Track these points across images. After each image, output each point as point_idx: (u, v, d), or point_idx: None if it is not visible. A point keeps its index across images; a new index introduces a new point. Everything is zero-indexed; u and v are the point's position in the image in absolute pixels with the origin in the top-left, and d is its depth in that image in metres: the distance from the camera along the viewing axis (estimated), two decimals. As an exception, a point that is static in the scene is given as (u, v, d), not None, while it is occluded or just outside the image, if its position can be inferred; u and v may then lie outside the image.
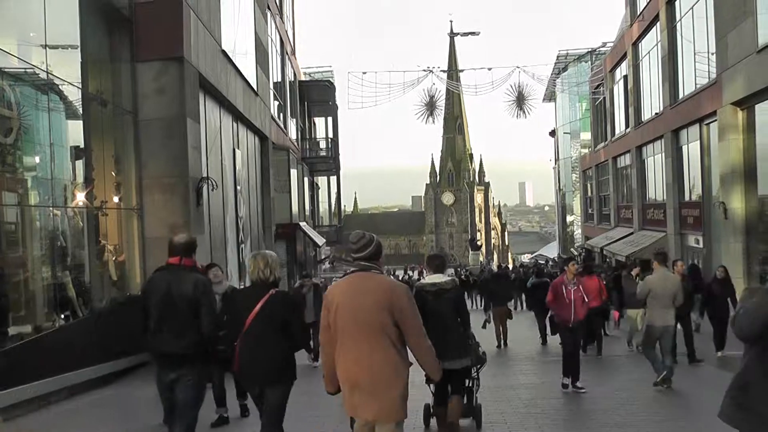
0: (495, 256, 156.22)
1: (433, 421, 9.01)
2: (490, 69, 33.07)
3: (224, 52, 20.28)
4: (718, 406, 4.78)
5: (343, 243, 79.70)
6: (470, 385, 9.12)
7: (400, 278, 55.71)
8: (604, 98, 46.00)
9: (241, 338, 6.42)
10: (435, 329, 7.26)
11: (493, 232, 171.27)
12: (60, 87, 13.45)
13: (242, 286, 10.97)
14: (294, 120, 40.41)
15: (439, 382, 7.79)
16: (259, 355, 6.36)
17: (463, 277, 44.39)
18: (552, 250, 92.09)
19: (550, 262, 64.33)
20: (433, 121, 35.29)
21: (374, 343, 5.43)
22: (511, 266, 56.07)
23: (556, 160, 77.18)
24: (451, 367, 7.89)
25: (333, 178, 55.13)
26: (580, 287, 12.32)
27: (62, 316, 13.00)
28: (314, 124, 53.25)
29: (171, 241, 6.93)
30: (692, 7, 27.10)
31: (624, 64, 40.46)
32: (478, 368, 9.19)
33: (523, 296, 30.96)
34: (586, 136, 57.05)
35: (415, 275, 64.53)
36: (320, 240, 43.21)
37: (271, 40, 32.00)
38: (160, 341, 6.68)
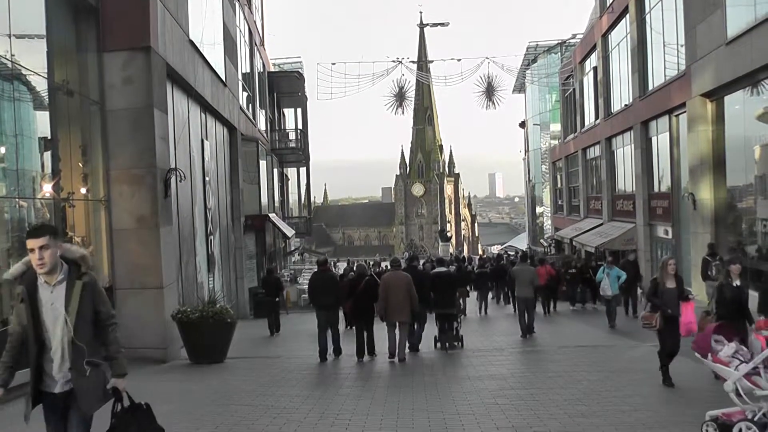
0: (465, 248, 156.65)
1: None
2: (459, 60, 33.31)
3: (192, 42, 20.05)
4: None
5: (313, 235, 79.63)
6: (456, 325, 16.66)
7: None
8: (574, 90, 46.22)
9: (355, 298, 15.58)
10: (441, 294, 16.31)
11: (463, 224, 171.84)
12: (26, 77, 13.17)
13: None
14: (263, 111, 40.19)
15: (440, 322, 16.49)
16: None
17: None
18: (522, 242, 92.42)
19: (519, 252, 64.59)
20: (403, 112, 35.45)
21: (402, 294, 14.67)
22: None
23: (526, 151, 77.40)
24: (446, 312, 16.37)
25: (302, 170, 55.05)
26: None
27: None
28: (283, 115, 53.06)
29: (318, 260, 18.11)
30: (661, -1, 27.27)
31: (594, 56, 40.68)
32: (461, 316, 17.79)
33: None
34: (556, 127, 57.24)
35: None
36: (290, 231, 43.09)
37: (240, 30, 31.75)
38: (320, 301, 15.41)
